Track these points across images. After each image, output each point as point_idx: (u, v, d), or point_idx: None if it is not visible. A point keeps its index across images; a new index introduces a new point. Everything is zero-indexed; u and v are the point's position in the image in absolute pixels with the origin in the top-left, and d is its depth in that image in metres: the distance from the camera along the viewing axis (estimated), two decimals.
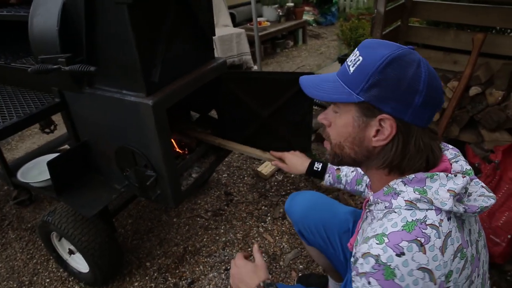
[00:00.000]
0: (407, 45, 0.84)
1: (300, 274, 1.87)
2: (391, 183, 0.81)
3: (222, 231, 2.18)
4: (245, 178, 2.67)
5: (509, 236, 1.79)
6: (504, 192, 1.93)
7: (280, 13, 5.58)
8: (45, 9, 1.41)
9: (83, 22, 1.30)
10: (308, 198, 1.41)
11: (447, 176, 0.77)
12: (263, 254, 1.99)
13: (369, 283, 0.72)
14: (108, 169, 1.69)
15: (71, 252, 1.82)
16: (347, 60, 0.81)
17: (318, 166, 1.42)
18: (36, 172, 2.03)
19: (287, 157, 1.55)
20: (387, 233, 0.73)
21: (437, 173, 0.78)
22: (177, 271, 1.94)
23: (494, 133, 2.20)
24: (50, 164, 1.52)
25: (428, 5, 2.52)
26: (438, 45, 2.52)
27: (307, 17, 6.36)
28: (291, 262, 1.94)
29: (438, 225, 0.72)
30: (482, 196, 0.80)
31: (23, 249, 2.16)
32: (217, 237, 2.13)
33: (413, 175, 0.78)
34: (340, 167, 1.38)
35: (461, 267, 0.74)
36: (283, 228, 2.18)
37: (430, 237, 0.71)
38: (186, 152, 1.89)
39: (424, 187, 0.76)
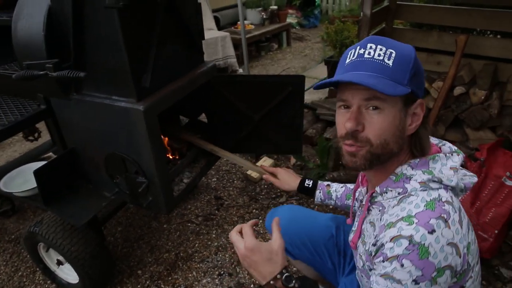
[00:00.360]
0: None
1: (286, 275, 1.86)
2: (397, 171, 0.85)
3: (214, 236, 2.16)
4: (235, 181, 2.65)
5: (496, 232, 1.83)
6: (490, 188, 1.98)
7: (264, 16, 5.60)
8: (30, 13, 1.37)
9: (71, 27, 1.27)
10: (287, 212, 1.40)
11: (445, 156, 0.84)
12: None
13: (402, 265, 0.73)
14: (97, 177, 1.65)
15: (59, 263, 1.77)
16: (372, 55, 0.79)
17: (309, 183, 1.42)
18: (20, 181, 1.97)
19: (280, 172, 1.53)
20: (413, 214, 0.75)
21: (437, 154, 0.84)
22: (170, 278, 1.91)
23: (478, 132, 2.26)
24: (36, 173, 1.47)
25: (412, 8, 2.57)
26: (422, 46, 2.57)
27: (290, 19, 6.41)
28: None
29: (451, 201, 0.78)
30: (467, 176, 0.87)
31: (7, 261, 2.09)
32: (209, 242, 2.11)
33: (417, 160, 0.84)
34: (330, 183, 1.40)
35: (474, 238, 0.80)
36: None
37: (449, 212, 0.75)
38: (177, 157, 1.87)
39: (429, 169, 0.82)
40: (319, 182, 1.43)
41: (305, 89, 1.75)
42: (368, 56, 0.79)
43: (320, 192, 1.41)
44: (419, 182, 0.81)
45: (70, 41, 1.31)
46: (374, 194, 0.90)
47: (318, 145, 2.58)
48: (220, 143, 1.88)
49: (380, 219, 0.85)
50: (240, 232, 0.96)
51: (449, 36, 2.44)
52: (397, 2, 2.54)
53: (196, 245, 2.10)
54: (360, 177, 1.10)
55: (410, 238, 0.72)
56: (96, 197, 1.65)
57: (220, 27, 5.42)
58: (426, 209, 0.76)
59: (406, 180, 0.83)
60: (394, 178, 0.85)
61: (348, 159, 0.86)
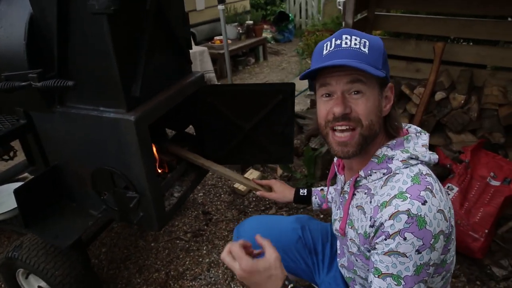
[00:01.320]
0: None
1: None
2: (377, 153, 0.90)
3: (204, 252, 2.08)
4: (222, 195, 2.59)
5: (486, 231, 1.86)
6: (476, 189, 2.02)
7: (240, 31, 5.65)
8: (9, 22, 1.30)
9: (55, 35, 1.21)
10: (253, 224, 1.40)
11: (416, 135, 0.92)
12: None
13: (404, 239, 0.78)
14: (82, 194, 1.56)
15: None
16: (349, 45, 0.84)
17: (303, 191, 1.46)
18: None
19: (275, 184, 1.53)
20: (405, 190, 0.82)
21: (409, 135, 0.91)
22: None
23: (460, 135, 2.32)
24: (17, 192, 1.37)
25: (390, 17, 2.66)
26: (400, 54, 2.64)
27: (265, 34, 6.49)
28: None
29: (430, 173, 0.86)
30: (430, 153, 0.92)
31: None
32: (200, 259, 2.03)
33: (394, 141, 0.90)
34: (323, 187, 1.45)
35: (451, 204, 0.87)
36: None
37: (432, 183, 0.83)
38: (166, 171, 1.80)
39: (405, 148, 0.89)
40: (313, 189, 1.46)
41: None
42: (345, 46, 0.85)
43: (316, 198, 1.44)
44: (400, 161, 0.87)
45: (54, 50, 1.24)
46: (358, 179, 0.94)
47: (305, 154, 2.57)
48: (209, 155, 1.84)
49: (370, 202, 0.89)
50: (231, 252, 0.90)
51: (427, 44, 2.53)
52: (375, 13, 2.62)
53: (187, 262, 2.01)
54: (335, 167, 1.13)
55: (408, 212, 0.78)
56: (81, 216, 1.55)
57: (196, 42, 5.41)
58: (413, 184, 0.82)
59: (389, 161, 0.89)
60: (377, 160, 0.90)
61: (338, 148, 0.89)
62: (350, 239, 0.99)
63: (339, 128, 0.87)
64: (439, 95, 2.30)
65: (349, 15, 2.15)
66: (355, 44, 0.84)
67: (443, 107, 2.33)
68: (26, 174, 2.22)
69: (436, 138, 2.43)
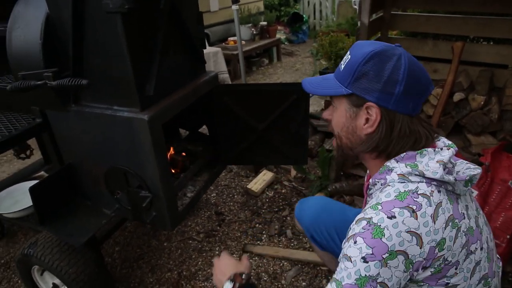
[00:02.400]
0: None
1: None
2: (386, 163, 0.88)
3: (217, 252, 2.07)
4: (235, 196, 2.58)
5: (508, 236, 1.80)
6: (497, 193, 1.96)
7: (254, 32, 5.64)
8: (25, 22, 1.31)
9: (70, 34, 1.22)
10: (318, 202, 1.42)
11: (434, 150, 0.85)
12: (262, 274, 1.90)
13: (355, 242, 0.77)
14: (96, 192, 1.57)
15: (55, 287, 1.65)
16: (342, 61, 0.90)
17: None
18: (10, 202, 1.87)
19: None
20: (381, 202, 0.79)
21: (425, 149, 0.85)
22: None
23: (480, 137, 2.25)
24: (32, 190, 1.38)
25: (407, 17, 2.60)
26: (418, 54, 2.58)
27: (279, 35, 6.47)
28: (293, 279, 1.86)
29: (429, 195, 0.79)
30: (468, 169, 0.87)
31: None
32: (213, 259, 2.01)
33: (404, 153, 0.85)
34: None
35: (454, 235, 0.78)
36: (280, 245, 2.10)
37: (421, 205, 0.77)
38: (179, 171, 1.80)
39: (415, 162, 0.83)
40: None
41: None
42: (341, 62, 0.90)
43: None
44: (398, 174, 0.83)
45: (69, 49, 1.25)
46: (369, 186, 0.94)
47: (319, 156, 2.54)
48: (222, 155, 1.83)
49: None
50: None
51: (445, 44, 2.46)
52: (391, 13, 2.56)
53: (199, 262, 2.00)
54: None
55: (369, 219, 0.77)
56: (95, 215, 1.56)
57: (210, 43, 5.43)
58: (394, 199, 0.78)
59: (388, 172, 0.86)
60: (380, 170, 0.89)
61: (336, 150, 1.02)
62: None
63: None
64: (457, 96, 2.24)
65: (365, 15, 2.11)
66: (344, 60, 0.88)
67: (462, 108, 2.27)
68: (42, 173, 2.25)
69: (454, 140, 2.34)
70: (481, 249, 0.84)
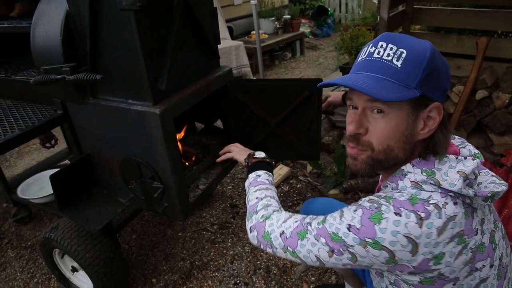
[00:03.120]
0: None
1: (312, 286, 1.81)
2: (402, 166, 0.82)
3: (229, 244, 2.11)
4: None
5: None
6: None
7: (278, 26, 5.61)
8: (48, 19, 1.38)
9: (88, 31, 1.27)
10: (324, 203, 1.41)
11: (456, 158, 0.78)
12: (272, 267, 1.93)
13: (355, 210, 0.77)
14: (112, 182, 1.64)
15: (74, 270, 1.75)
16: (381, 55, 0.76)
17: None
18: (36, 188, 1.98)
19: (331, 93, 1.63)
20: (393, 198, 0.76)
21: (447, 155, 0.78)
22: (185, 287, 1.86)
23: (503, 137, 2.18)
24: (52, 178, 1.47)
25: (431, 11, 2.52)
26: (441, 50, 2.49)
27: (303, 29, 6.41)
28: (302, 274, 1.88)
29: (441, 207, 0.73)
30: (492, 184, 0.80)
31: (23, 268, 2.09)
32: (225, 251, 2.07)
33: (425, 158, 0.80)
34: None
35: (456, 252, 0.73)
36: None
37: (430, 214, 0.72)
38: (192, 163, 1.84)
39: (433, 169, 0.77)
40: None
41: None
42: (377, 56, 0.76)
43: None
44: (411, 181, 0.77)
45: (87, 45, 1.31)
46: (381, 187, 0.91)
47: (335, 152, 2.53)
48: None
49: None
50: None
51: (469, 39, 2.38)
52: (414, 6, 2.50)
53: (212, 253, 2.06)
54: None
55: (379, 204, 0.75)
56: (111, 203, 1.64)
57: (233, 37, 5.46)
58: (406, 200, 0.74)
59: (401, 176, 0.80)
60: (394, 173, 0.84)
61: (350, 161, 0.86)
62: None
63: (350, 146, 0.84)
64: (480, 94, 2.17)
65: (384, 10, 2.07)
66: (388, 55, 0.75)
67: (485, 106, 2.19)
68: (66, 161, 2.37)
69: (475, 139, 2.29)
70: (491, 266, 0.79)
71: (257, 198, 1.05)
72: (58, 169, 1.55)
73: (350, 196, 2.41)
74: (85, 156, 1.60)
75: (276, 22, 5.61)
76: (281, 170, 2.68)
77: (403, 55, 0.74)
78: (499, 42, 2.29)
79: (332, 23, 7.10)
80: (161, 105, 1.32)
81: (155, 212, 1.59)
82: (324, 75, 4.99)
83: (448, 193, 0.74)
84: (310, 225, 0.84)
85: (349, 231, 0.75)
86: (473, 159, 0.78)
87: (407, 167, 0.80)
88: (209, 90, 1.57)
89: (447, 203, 0.73)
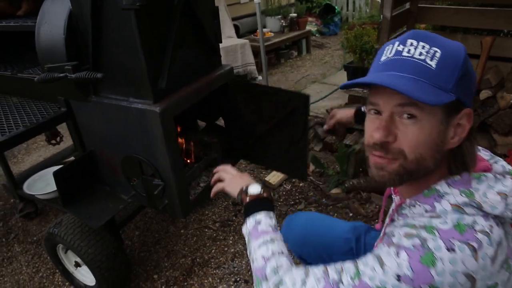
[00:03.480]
0: None
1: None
2: (434, 186, 0.73)
3: (230, 242, 2.13)
4: None
5: None
6: None
7: (284, 24, 5.60)
8: (52, 18, 1.41)
9: (90, 30, 1.29)
10: (304, 222, 1.33)
11: (495, 177, 0.71)
12: None
13: (397, 254, 0.65)
14: (114, 179, 1.67)
15: (77, 265, 1.78)
16: (412, 54, 0.68)
17: (364, 108, 1.30)
18: (42, 184, 2.02)
19: (337, 111, 1.49)
20: (436, 228, 0.65)
21: (484, 173, 0.71)
22: (186, 283, 1.89)
23: (507, 137, 2.16)
24: (56, 174, 1.50)
25: (435, 10, 2.50)
26: None
27: (310, 27, 6.38)
28: None
29: (489, 232, 0.65)
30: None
31: (29, 262, 2.13)
32: (226, 248, 2.08)
33: (458, 176, 0.71)
34: None
35: (505, 279, 0.67)
36: None
37: (482, 243, 0.63)
38: (193, 161, 1.86)
39: (471, 189, 0.69)
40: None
41: (326, 95, 1.69)
42: (407, 55, 0.68)
43: None
44: (451, 204, 0.68)
45: (89, 44, 1.33)
46: (403, 205, 0.80)
47: (338, 151, 2.53)
48: (234, 148, 1.87)
49: (405, 224, 0.75)
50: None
51: (474, 39, 2.36)
52: (419, 5, 2.48)
53: (213, 251, 2.08)
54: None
55: (424, 240, 0.64)
56: (113, 200, 1.66)
57: (239, 35, 5.46)
58: (452, 229, 0.64)
59: (438, 198, 0.71)
60: (426, 192, 0.74)
61: (375, 172, 0.75)
62: None
63: (377, 155, 0.73)
64: (484, 94, 2.15)
65: (387, 8, 2.07)
66: (420, 54, 0.67)
67: (489, 106, 2.17)
68: (72, 158, 2.40)
69: (479, 139, 2.27)
70: None
71: (263, 257, 0.84)
72: (61, 166, 1.58)
73: (352, 195, 2.41)
74: (88, 153, 1.63)
75: (282, 20, 5.60)
76: (276, 176, 2.69)
77: (437, 55, 0.66)
78: (505, 42, 2.27)
79: (339, 21, 7.06)
80: (162, 104, 1.34)
81: (156, 209, 1.61)
82: (329, 73, 4.97)
83: (490, 216, 0.67)
84: (342, 283, 0.69)
85: (400, 281, 0.63)
86: (511, 178, 0.71)
87: (443, 187, 0.71)
88: (209, 89, 1.59)
89: (492, 226, 0.66)
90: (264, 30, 5.51)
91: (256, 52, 4.99)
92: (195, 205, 1.83)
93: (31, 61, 1.93)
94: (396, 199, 0.91)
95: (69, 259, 1.84)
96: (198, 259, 2.03)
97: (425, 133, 0.68)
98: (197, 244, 2.13)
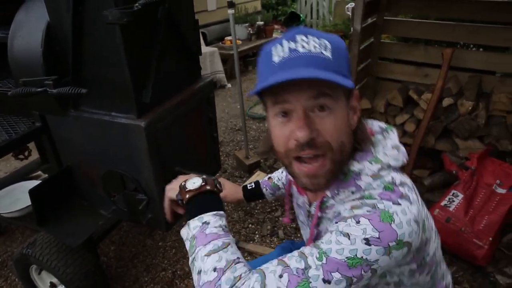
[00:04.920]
0: (382, 60, 0.83)
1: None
2: (344, 169, 0.75)
3: None
4: None
5: (490, 239, 1.87)
6: (481, 197, 2.03)
7: (251, 32, 5.67)
8: (27, 30, 1.35)
9: (70, 43, 1.26)
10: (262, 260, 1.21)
11: (383, 136, 0.80)
12: None
13: (357, 222, 0.65)
14: (93, 194, 1.61)
15: (53, 286, 1.70)
16: (308, 48, 0.67)
17: (251, 184, 1.26)
18: (8, 201, 1.90)
19: (224, 182, 1.21)
20: (373, 194, 0.70)
21: (375, 137, 0.79)
22: None
23: (467, 141, 2.32)
24: (31, 193, 1.43)
25: (399, 22, 2.66)
26: (409, 59, 2.65)
27: (276, 35, 6.50)
28: None
29: (405, 181, 0.73)
30: (402, 151, 0.81)
31: None
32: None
33: (360, 152, 0.77)
34: (270, 175, 1.26)
35: (426, 213, 0.76)
36: (272, 245, 2.16)
37: (407, 192, 0.70)
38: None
39: (374, 155, 0.75)
40: (260, 180, 1.27)
41: None
42: (303, 50, 0.67)
43: (266, 189, 1.25)
44: (370, 176, 0.73)
45: (69, 57, 1.29)
46: (325, 200, 0.79)
47: None
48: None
49: (337, 213, 0.76)
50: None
51: (435, 50, 2.53)
52: (384, 18, 2.62)
53: None
54: (292, 185, 0.99)
55: (373, 205, 0.67)
56: (92, 216, 1.61)
57: (207, 43, 5.46)
58: (385, 191, 0.70)
59: (357, 177, 0.74)
60: (343, 177, 0.75)
61: (307, 181, 0.73)
62: None
63: (306, 157, 0.70)
64: (446, 101, 2.31)
65: (357, 21, 2.17)
66: (315, 47, 0.67)
67: (451, 113, 2.33)
68: (39, 172, 2.29)
69: (443, 143, 2.43)
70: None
71: (215, 269, 0.70)
72: (31, 182, 1.50)
73: None
74: (65, 169, 1.57)
75: (249, 28, 5.67)
76: (259, 177, 2.72)
77: (329, 46, 0.68)
78: (462, 53, 2.45)
79: None
80: (145, 118, 1.32)
81: (139, 224, 1.58)
82: None
83: (396, 168, 0.76)
84: (310, 268, 0.65)
85: (369, 245, 0.63)
86: (392, 131, 0.81)
87: (356, 166, 0.74)
88: (192, 101, 1.58)
89: (402, 176, 0.75)
90: (231, 37, 5.55)
91: (224, 60, 5.01)
92: (179, 217, 1.81)
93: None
94: (304, 199, 0.90)
95: (43, 281, 1.75)
96: (178, 271, 2.00)
97: (340, 121, 0.70)
98: (176, 256, 2.11)
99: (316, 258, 0.65)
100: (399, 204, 0.67)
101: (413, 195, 0.71)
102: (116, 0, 1.15)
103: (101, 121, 1.36)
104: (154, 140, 1.34)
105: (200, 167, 1.80)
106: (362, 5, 2.18)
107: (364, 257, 0.63)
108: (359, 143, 0.77)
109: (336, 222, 0.69)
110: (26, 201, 1.61)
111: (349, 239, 0.64)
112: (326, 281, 0.63)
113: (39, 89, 1.26)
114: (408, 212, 0.67)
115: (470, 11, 2.36)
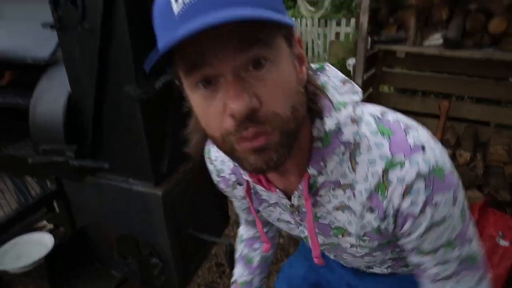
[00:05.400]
0: None
1: None
2: (314, 134, 0.58)
3: None
4: None
5: None
6: (486, 250, 2.06)
7: None
8: (49, 99, 1.41)
9: (91, 116, 1.32)
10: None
11: (326, 72, 0.62)
12: None
13: (435, 205, 0.57)
14: (106, 256, 1.63)
15: None
16: None
17: None
18: (13, 256, 1.87)
19: None
20: (390, 152, 0.57)
21: (318, 77, 0.61)
22: None
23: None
24: (47, 259, 1.44)
25: (397, 74, 2.79)
26: (406, 109, 2.75)
27: None
28: None
29: (384, 109, 0.64)
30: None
31: None
32: None
33: (320, 105, 0.58)
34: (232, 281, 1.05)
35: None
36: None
37: (398, 119, 0.61)
38: None
39: (335, 102, 0.58)
40: None
41: None
42: None
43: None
44: (351, 123, 0.58)
45: (89, 127, 1.35)
46: (311, 181, 0.62)
47: None
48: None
49: (354, 196, 0.61)
50: None
51: (432, 101, 2.64)
52: (382, 69, 2.75)
53: None
54: (252, 187, 0.73)
55: (418, 176, 0.56)
56: (104, 277, 1.62)
57: None
58: (387, 137, 0.58)
59: (338, 135, 0.58)
60: (322, 143, 0.58)
61: (256, 158, 0.50)
62: (351, 247, 0.71)
63: (247, 135, 0.48)
64: None
65: (358, 76, 2.28)
66: None
67: None
68: (45, 223, 2.29)
69: None
70: None
71: None
72: (38, 233, 1.47)
73: None
74: (79, 231, 1.59)
75: None
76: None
77: None
78: (457, 104, 2.56)
79: None
80: (162, 186, 1.37)
81: (152, 287, 1.59)
82: None
83: (357, 103, 0.61)
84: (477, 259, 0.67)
85: (456, 200, 0.59)
86: (326, 66, 0.63)
87: (328, 124, 0.57)
88: (200, 165, 1.63)
89: (371, 105, 0.65)
90: None
91: None
92: (192, 275, 1.82)
93: (16, 131, 1.86)
94: (276, 196, 0.69)
95: None
96: None
97: (286, 77, 0.50)
98: None
99: (450, 251, 0.62)
100: (423, 148, 0.57)
101: (400, 115, 0.63)
102: (137, 76, 1.22)
103: (119, 187, 1.40)
104: (170, 207, 1.38)
105: (211, 225, 1.84)
106: (364, 60, 2.30)
107: (462, 205, 0.60)
108: (313, 100, 0.57)
109: (413, 221, 0.59)
110: (31, 255, 1.60)
111: (447, 221, 0.59)
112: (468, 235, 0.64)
113: (60, 159, 1.31)
114: (434, 145, 0.58)
115: (460, 67, 2.49)
